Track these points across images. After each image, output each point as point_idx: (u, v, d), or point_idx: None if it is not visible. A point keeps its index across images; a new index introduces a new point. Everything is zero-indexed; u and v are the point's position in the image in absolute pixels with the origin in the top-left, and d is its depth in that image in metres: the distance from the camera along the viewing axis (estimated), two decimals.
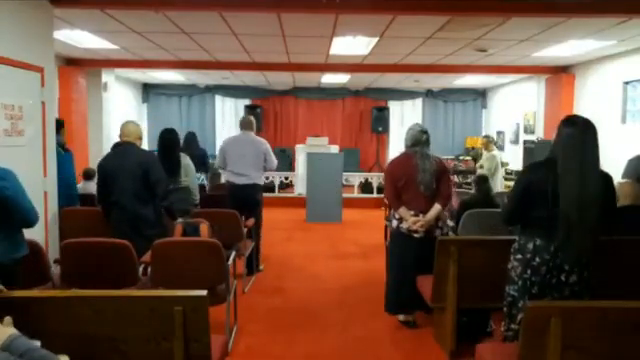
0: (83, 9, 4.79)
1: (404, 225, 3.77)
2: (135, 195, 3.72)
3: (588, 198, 2.37)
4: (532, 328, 2.04)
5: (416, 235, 3.72)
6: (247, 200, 5.12)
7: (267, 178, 10.62)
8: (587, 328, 2.00)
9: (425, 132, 3.87)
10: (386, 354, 3.48)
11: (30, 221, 2.60)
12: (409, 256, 3.76)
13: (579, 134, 2.43)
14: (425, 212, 3.72)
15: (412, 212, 3.74)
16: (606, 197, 2.46)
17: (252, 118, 5.58)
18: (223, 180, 5.40)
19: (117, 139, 4.05)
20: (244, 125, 5.38)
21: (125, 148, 3.87)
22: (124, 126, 3.95)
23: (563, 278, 2.46)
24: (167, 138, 4.71)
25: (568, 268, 2.45)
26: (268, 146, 5.42)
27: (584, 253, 2.43)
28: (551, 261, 2.45)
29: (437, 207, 3.72)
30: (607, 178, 2.51)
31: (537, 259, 2.48)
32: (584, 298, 2.47)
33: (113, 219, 3.83)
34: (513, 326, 2.60)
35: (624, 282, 2.87)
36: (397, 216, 3.82)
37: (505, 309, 2.67)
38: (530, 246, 2.51)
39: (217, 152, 5.41)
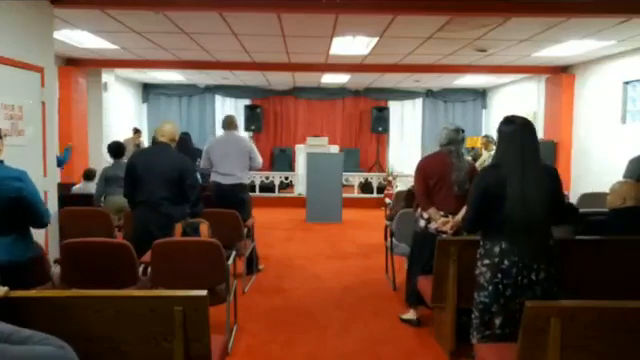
0: (83, 9, 4.80)
1: (432, 225, 3.73)
2: (167, 196, 3.66)
3: (532, 196, 2.40)
4: (531, 328, 2.04)
5: (444, 236, 3.68)
6: (233, 199, 5.04)
7: (267, 178, 10.65)
8: (586, 328, 2.00)
9: (460, 131, 3.81)
10: (386, 354, 3.48)
11: (45, 222, 2.63)
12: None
13: (518, 132, 2.48)
14: (454, 213, 3.67)
15: (442, 212, 3.70)
16: (553, 191, 2.49)
17: (234, 117, 5.49)
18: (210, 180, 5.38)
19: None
20: (227, 125, 5.31)
21: (159, 148, 3.81)
22: (161, 125, 3.87)
23: (534, 277, 2.48)
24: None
25: (536, 266, 2.47)
26: (252, 144, 5.38)
27: (540, 249, 2.46)
28: (520, 262, 2.46)
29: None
30: (552, 171, 2.55)
31: (506, 262, 2.48)
32: (554, 294, 2.49)
33: (139, 217, 3.75)
34: (488, 332, 2.58)
35: (625, 282, 2.87)
36: (425, 216, 3.77)
37: (476, 317, 2.63)
38: (497, 250, 2.51)
39: (203, 153, 5.38)
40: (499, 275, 2.50)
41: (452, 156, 3.71)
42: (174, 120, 11.81)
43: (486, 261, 2.56)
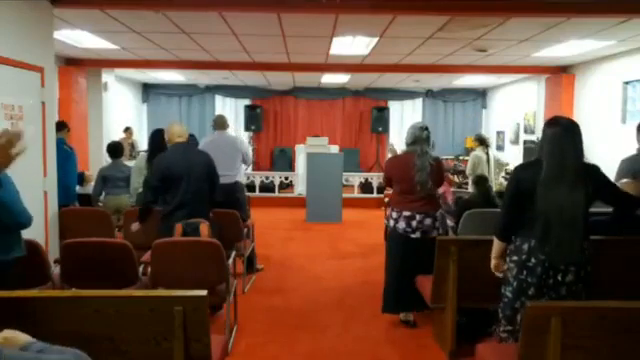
0: (83, 9, 4.79)
1: (400, 225, 3.77)
2: None
3: (569, 199, 2.40)
4: (532, 328, 2.04)
5: (413, 235, 3.73)
6: (229, 199, 4.97)
7: (267, 178, 10.64)
8: (587, 328, 2.00)
9: (424, 129, 3.82)
10: (386, 354, 3.48)
11: (22, 223, 2.57)
12: (406, 256, 3.76)
13: (560, 134, 2.48)
14: (422, 213, 3.71)
15: (409, 213, 3.74)
16: (595, 190, 2.49)
17: (225, 117, 5.50)
18: None
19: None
20: (219, 125, 5.32)
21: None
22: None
23: (560, 278, 2.47)
24: (158, 138, 4.69)
25: (563, 267, 2.46)
26: (246, 143, 5.40)
27: (571, 252, 2.45)
28: (546, 261, 2.46)
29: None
30: (591, 170, 2.53)
31: (533, 260, 2.49)
32: (582, 297, 2.48)
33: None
34: (509, 327, 2.60)
35: (625, 283, 2.87)
36: (394, 215, 3.82)
37: (501, 310, 2.66)
38: (525, 247, 2.51)
39: None
40: (524, 272, 2.51)
41: (415, 156, 3.73)
42: (174, 120, 11.87)
43: (514, 257, 2.57)
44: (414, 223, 3.74)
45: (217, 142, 5.25)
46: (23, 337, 1.45)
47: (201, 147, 5.30)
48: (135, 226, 3.90)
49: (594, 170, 2.55)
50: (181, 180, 3.69)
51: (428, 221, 3.74)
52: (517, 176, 2.59)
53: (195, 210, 3.72)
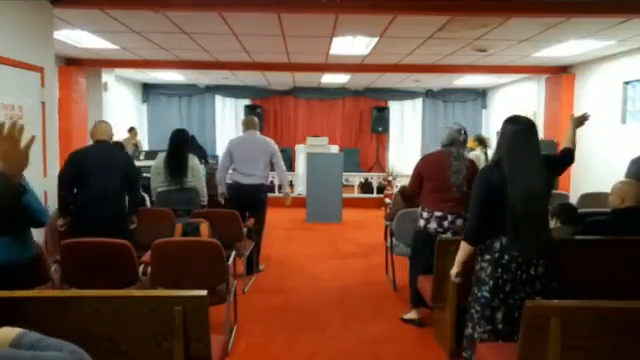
0: (83, 9, 4.79)
1: (431, 225, 3.74)
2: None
3: (534, 192, 2.46)
4: (531, 328, 2.04)
5: (444, 236, 3.69)
6: (252, 200, 5.14)
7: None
8: (587, 328, 2.00)
9: (462, 132, 3.80)
10: (386, 354, 3.48)
11: (42, 222, 2.62)
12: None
13: (521, 131, 2.53)
14: (453, 214, 3.69)
15: (440, 213, 3.71)
16: (550, 174, 2.63)
17: (255, 118, 5.62)
18: (228, 179, 5.41)
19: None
20: (249, 125, 5.39)
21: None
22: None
23: (533, 272, 2.51)
24: (177, 138, 4.74)
25: (535, 261, 2.51)
26: (277, 148, 5.40)
27: (541, 244, 2.49)
28: (520, 257, 2.50)
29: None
30: (545, 159, 2.62)
31: (506, 257, 2.52)
32: (554, 289, 2.52)
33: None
34: (489, 327, 2.60)
35: (625, 282, 2.87)
36: (425, 215, 3.79)
37: (476, 312, 2.65)
38: (497, 245, 2.55)
39: (223, 152, 5.43)
40: (499, 270, 2.54)
41: (452, 157, 3.71)
42: (174, 120, 11.87)
43: (487, 256, 2.60)
44: (446, 223, 3.72)
45: (246, 142, 5.31)
46: (12, 332, 1.41)
47: (229, 146, 5.37)
48: (60, 221, 3.95)
49: (545, 157, 2.64)
50: (95, 177, 3.83)
51: (459, 222, 3.72)
52: (487, 176, 2.60)
53: (109, 207, 3.87)
